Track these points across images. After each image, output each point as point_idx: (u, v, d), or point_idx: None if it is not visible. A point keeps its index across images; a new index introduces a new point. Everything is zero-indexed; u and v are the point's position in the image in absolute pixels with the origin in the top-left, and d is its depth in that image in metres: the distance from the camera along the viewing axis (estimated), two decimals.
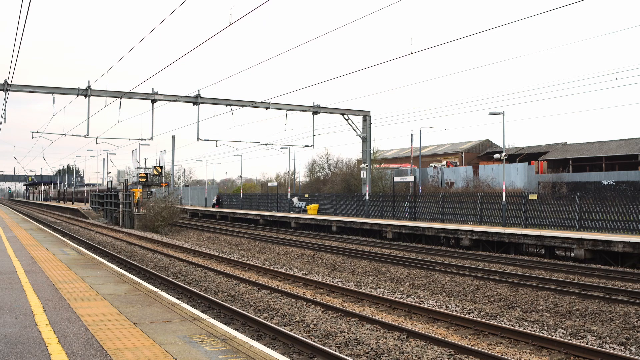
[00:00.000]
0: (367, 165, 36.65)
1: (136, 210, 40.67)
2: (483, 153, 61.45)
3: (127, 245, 25.49)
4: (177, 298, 11.31)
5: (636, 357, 8.53)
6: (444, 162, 60.57)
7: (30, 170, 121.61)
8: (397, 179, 35.12)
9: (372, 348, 8.53)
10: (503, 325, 10.33)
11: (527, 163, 49.49)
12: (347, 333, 9.40)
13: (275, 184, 53.39)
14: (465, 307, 12.32)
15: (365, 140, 37.85)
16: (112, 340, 6.69)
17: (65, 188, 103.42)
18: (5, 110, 32.33)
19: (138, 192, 46.05)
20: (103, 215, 48.93)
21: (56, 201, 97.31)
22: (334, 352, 8.00)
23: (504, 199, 25.57)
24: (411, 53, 18.54)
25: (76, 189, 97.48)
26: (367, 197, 34.65)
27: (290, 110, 35.35)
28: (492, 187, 41.66)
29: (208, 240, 30.75)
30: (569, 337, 9.84)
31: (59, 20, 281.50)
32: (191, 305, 10.29)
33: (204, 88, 45.23)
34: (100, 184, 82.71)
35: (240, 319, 10.44)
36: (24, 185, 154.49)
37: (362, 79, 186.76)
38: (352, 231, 31.09)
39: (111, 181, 60.14)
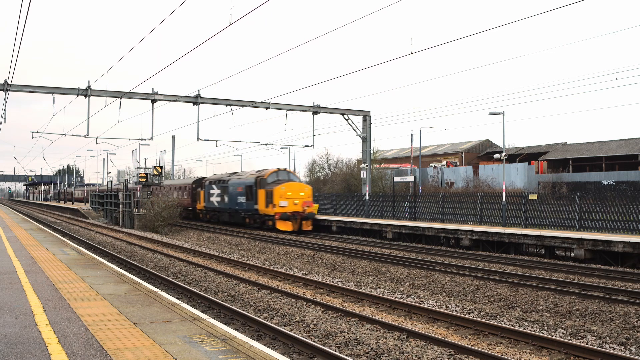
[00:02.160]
0: (367, 165, 36.64)
1: (136, 210, 40.66)
2: (483, 153, 61.49)
3: (127, 245, 25.49)
4: (177, 298, 11.32)
5: (636, 357, 8.53)
6: (444, 162, 60.60)
7: (30, 170, 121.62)
8: (397, 179, 35.13)
9: (372, 348, 8.53)
10: (503, 325, 10.33)
11: (527, 163, 49.53)
12: (347, 333, 9.40)
13: None
14: (465, 307, 12.32)
15: (365, 140, 37.84)
16: (112, 340, 6.69)
17: (65, 188, 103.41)
18: (5, 110, 32.36)
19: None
20: (103, 215, 48.90)
21: (56, 201, 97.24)
22: (334, 352, 8.00)
23: (504, 199, 25.57)
24: (411, 53, 18.55)
25: (76, 188, 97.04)
26: (367, 197, 34.64)
27: (290, 110, 35.34)
28: (492, 187, 41.67)
29: (208, 240, 30.75)
30: (569, 337, 9.84)
31: (59, 20, 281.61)
32: (191, 305, 10.30)
33: (204, 88, 45.26)
34: (100, 184, 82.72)
35: (240, 319, 10.45)
36: (24, 185, 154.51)
37: (362, 79, 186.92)
38: (352, 231, 31.07)
39: (111, 181, 59.95)
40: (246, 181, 34.52)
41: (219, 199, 38.40)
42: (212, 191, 39.63)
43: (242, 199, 34.69)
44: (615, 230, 21.01)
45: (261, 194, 32.39)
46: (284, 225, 30.96)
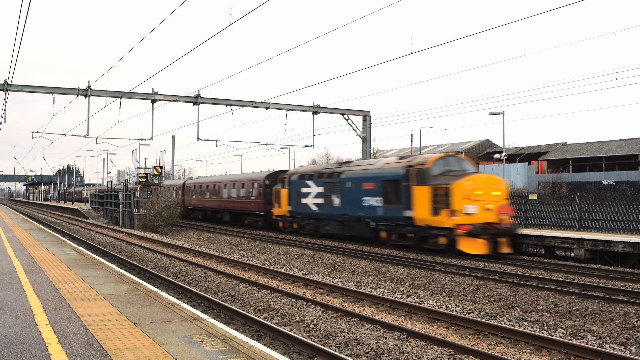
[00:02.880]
0: None
1: (136, 210, 40.62)
2: (483, 153, 61.50)
3: (127, 245, 25.50)
4: (177, 298, 11.31)
5: (636, 357, 8.53)
6: None
7: (30, 170, 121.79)
8: None
9: (372, 348, 8.53)
10: (503, 325, 10.33)
11: (527, 163, 49.60)
12: (347, 333, 9.40)
13: None
14: (465, 307, 12.32)
15: (365, 140, 37.84)
16: (112, 340, 6.69)
17: (66, 188, 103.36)
18: (5, 110, 32.37)
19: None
20: (103, 215, 48.93)
21: (56, 201, 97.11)
22: (334, 352, 8.00)
23: None
24: (411, 53, 18.56)
25: (83, 188, 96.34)
26: None
27: (290, 110, 35.33)
28: None
29: (208, 240, 30.75)
30: (569, 337, 9.84)
31: (60, 21, 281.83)
32: (191, 305, 10.30)
33: (204, 88, 45.26)
34: (100, 184, 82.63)
35: (240, 319, 10.44)
36: (24, 185, 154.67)
37: (362, 79, 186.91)
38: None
39: (111, 181, 59.98)
40: (384, 173, 22.92)
41: (320, 200, 26.90)
42: (305, 189, 28.10)
43: (373, 200, 23.21)
44: (615, 230, 21.02)
45: (421, 193, 20.61)
46: (473, 246, 19.04)
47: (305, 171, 29.63)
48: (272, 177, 33.54)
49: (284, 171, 33.87)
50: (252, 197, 34.79)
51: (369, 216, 23.60)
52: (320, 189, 26.93)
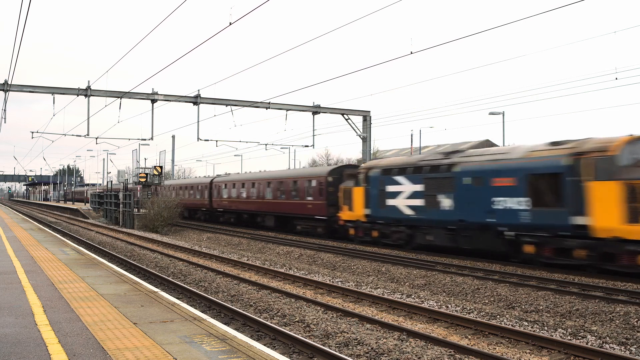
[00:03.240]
0: None
1: (136, 210, 40.60)
2: None
3: (127, 245, 25.50)
4: (177, 298, 11.32)
5: (636, 357, 8.53)
6: None
7: (30, 170, 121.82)
8: None
9: (372, 348, 8.54)
10: (503, 325, 10.33)
11: None
12: (347, 333, 9.40)
13: None
14: (465, 307, 12.32)
15: (365, 140, 37.83)
16: (112, 340, 6.70)
17: (65, 188, 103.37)
18: (5, 110, 32.35)
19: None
20: (103, 215, 48.91)
21: (56, 201, 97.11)
22: (334, 352, 8.00)
23: None
24: (411, 53, 18.56)
25: (79, 188, 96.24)
26: None
27: (290, 110, 35.31)
28: None
29: (208, 240, 30.76)
30: (569, 337, 9.84)
31: (60, 21, 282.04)
32: (191, 305, 10.30)
33: (204, 88, 45.22)
34: (100, 184, 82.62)
35: (240, 319, 10.45)
36: (24, 185, 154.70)
37: (362, 79, 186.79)
38: None
39: (111, 181, 59.96)
40: (531, 164, 16.98)
41: (417, 201, 21.07)
42: (392, 187, 22.30)
43: (512, 202, 17.28)
44: None
45: (605, 191, 14.83)
46: None
47: (392, 164, 23.24)
48: (336, 173, 27.50)
49: (354, 165, 28.81)
50: (309, 198, 28.58)
51: (503, 223, 17.67)
52: (418, 187, 21.05)
